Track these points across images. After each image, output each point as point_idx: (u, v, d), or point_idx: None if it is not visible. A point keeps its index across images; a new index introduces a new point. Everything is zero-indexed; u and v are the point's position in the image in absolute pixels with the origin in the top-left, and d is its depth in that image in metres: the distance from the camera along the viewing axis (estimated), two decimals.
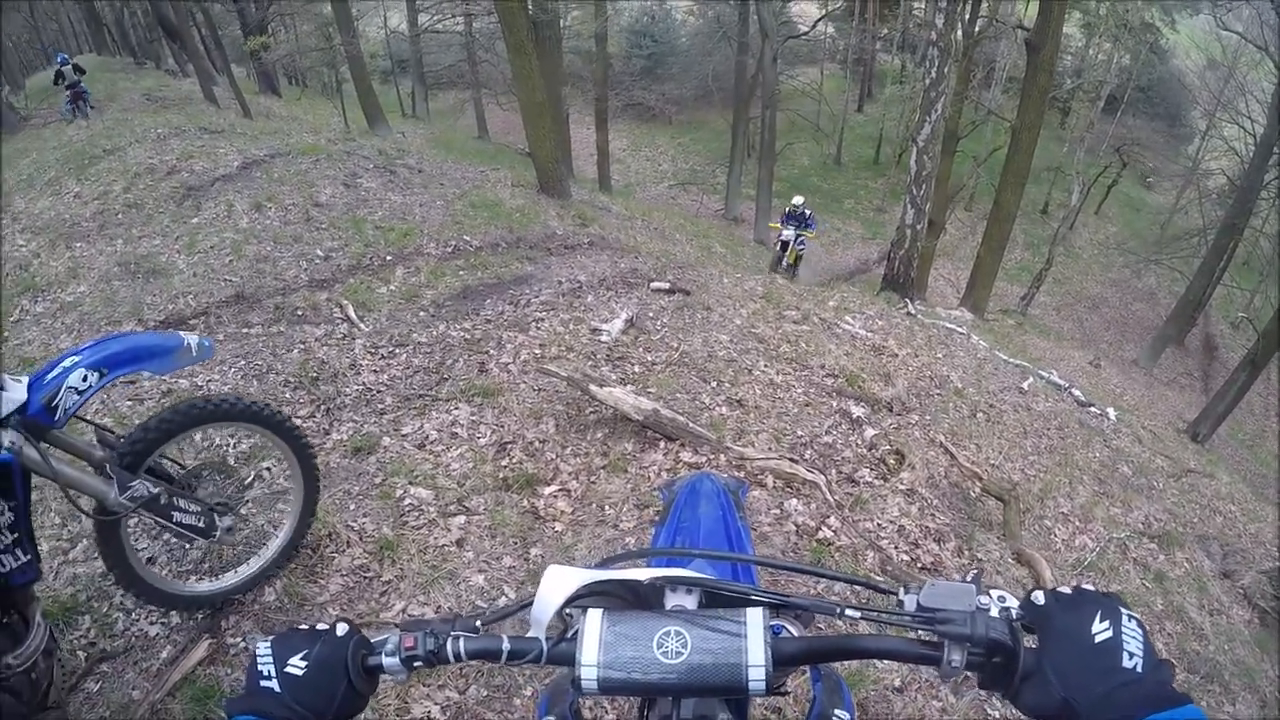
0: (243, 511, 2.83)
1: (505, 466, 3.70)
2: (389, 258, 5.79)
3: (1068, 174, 23.60)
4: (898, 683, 2.96)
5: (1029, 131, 12.58)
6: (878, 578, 3.42)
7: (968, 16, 12.69)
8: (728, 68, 24.78)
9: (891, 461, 4.33)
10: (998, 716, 3.02)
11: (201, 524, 2.49)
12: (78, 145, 10.26)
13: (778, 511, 3.67)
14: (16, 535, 1.77)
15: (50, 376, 1.98)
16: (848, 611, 0.92)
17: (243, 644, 2.62)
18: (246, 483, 3.05)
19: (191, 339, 2.38)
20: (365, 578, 2.91)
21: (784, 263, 13.03)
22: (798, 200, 12.90)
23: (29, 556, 1.80)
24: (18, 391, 1.86)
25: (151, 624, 2.66)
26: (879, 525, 3.84)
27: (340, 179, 7.59)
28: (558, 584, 0.98)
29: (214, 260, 5.63)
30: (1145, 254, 25.03)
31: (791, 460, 3.93)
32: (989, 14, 14.56)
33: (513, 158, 16.64)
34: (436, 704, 2.51)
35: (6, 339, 5.03)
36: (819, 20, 28.22)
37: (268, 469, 3.38)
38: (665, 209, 18.95)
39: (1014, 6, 20.53)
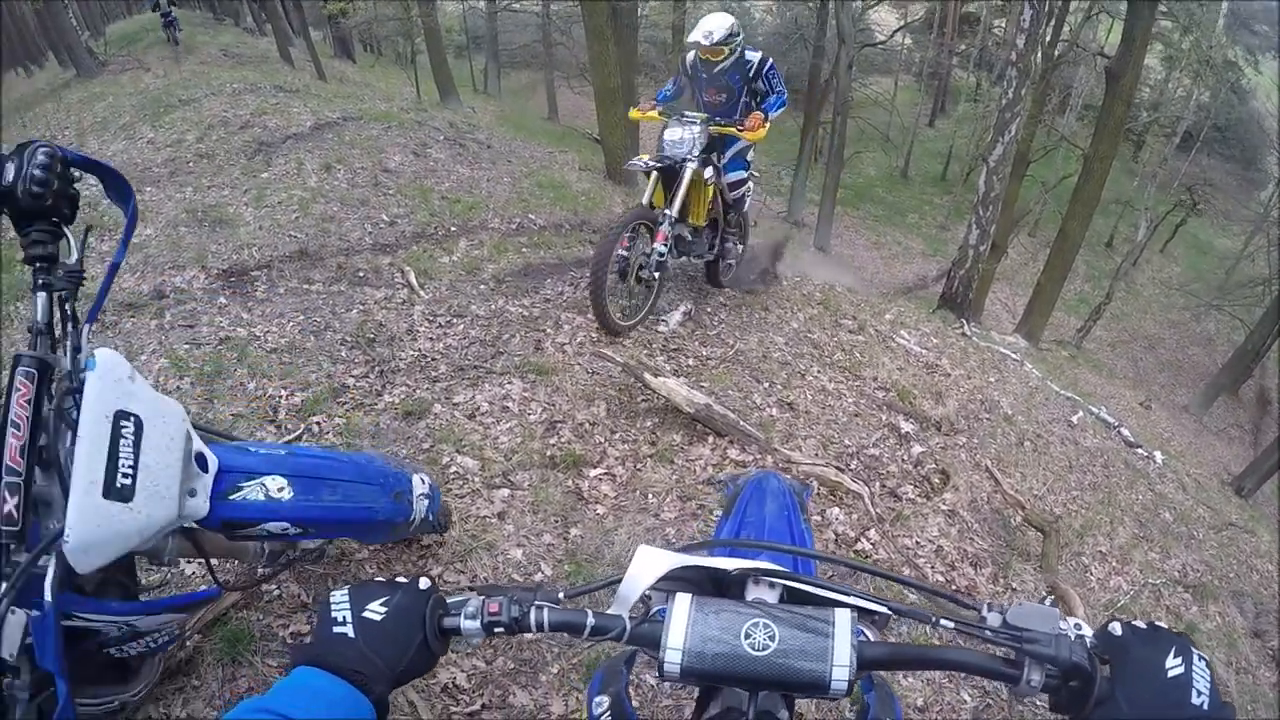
0: None
1: (553, 445, 3.72)
2: (453, 229, 5.85)
3: (1136, 208, 23.19)
4: (920, 703, 2.95)
5: (1102, 161, 12.33)
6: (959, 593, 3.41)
7: (1048, 39, 12.46)
8: (802, 70, 24.54)
9: (935, 481, 4.30)
10: None
11: (312, 559, 2.43)
12: (154, 93, 10.48)
13: (819, 518, 3.66)
14: (184, 620, 1.73)
15: (246, 502, 1.65)
16: (943, 622, 0.92)
17: (276, 591, 2.66)
18: None
19: (421, 507, 2.02)
20: (406, 542, 2.94)
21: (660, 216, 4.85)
22: (711, 28, 5.05)
23: (183, 629, 1.76)
24: (199, 503, 1.54)
25: (189, 563, 2.69)
26: (917, 543, 3.82)
27: (410, 147, 7.67)
28: (648, 564, 0.98)
29: (280, 215, 5.72)
30: (1207, 298, 24.46)
31: (838, 468, 3.92)
32: (1070, 38, 14.31)
33: (580, 141, 16.71)
34: (463, 671, 2.53)
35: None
36: (897, 30, 27.92)
37: None
38: None
39: (1095, 32, 20.19)
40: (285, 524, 1.71)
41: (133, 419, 1.35)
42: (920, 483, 4.27)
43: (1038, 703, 0.89)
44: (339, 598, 0.96)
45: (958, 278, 11.02)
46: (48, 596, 1.20)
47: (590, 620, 0.96)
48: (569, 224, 6.79)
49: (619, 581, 0.98)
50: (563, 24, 24.47)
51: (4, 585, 1.18)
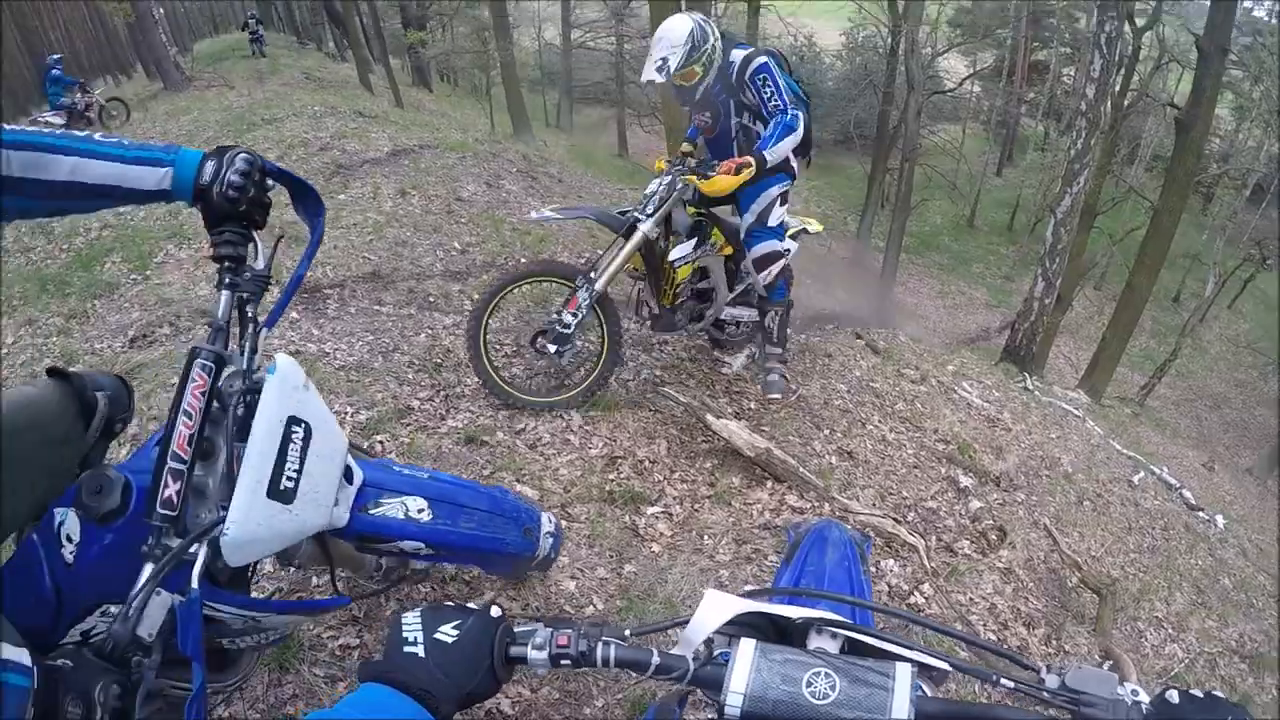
0: None
1: (612, 480, 3.77)
2: (523, 260, 5.96)
3: (1204, 263, 22.71)
4: None
5: (1170, 214, 12.15)
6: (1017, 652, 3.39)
7: (1118, 88, 12.35)
8: (870, 115, 24.59)
9: (992, 537, 4.27)
10: None
11: (420, 576, 2.47)
12: (238, 110, 10.86)
13: (874, 569, 3.67)
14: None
15: (384, 519, 1.69)
16: (1003, 681, 0.95)
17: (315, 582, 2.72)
18: None
19: (547, 544, 2.04)
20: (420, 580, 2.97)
21: (644, 308, 4.58)
22: (664, 52, 3.95)
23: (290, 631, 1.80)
24: (341, 512, 1.58)
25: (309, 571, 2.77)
26: (971, 599, 3.79)
27: (484, 177, 7.84)
28: (716, 607, 1.01)
29: (355, 237, 5.89)
30: (1276, 356, 23.81)
31: (895, 520, 3.93)
32: (1140, 88, 14.16)
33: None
34: (508, 698, 2.55)
35: (148, 277, 5.34)
36: (966, 78, 27.82)
37: None
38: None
39: (1165, 82, 19.90)
40: (420, 544, 1.74)
41: (303, 426, 1.41)
42: (977, 538, 4.25)
43: None
44: (411, 619, 1.00)
45: (1022, 330, 10.89)
46: (194, 584, 1.23)
47: (655, 659, 0.98)
48: None
49: (685, 623, 1.01)
50: (635, 62, 24.82)
51: (154, 566, 1.22)
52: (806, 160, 4.56)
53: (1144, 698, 0.88)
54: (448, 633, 0.98)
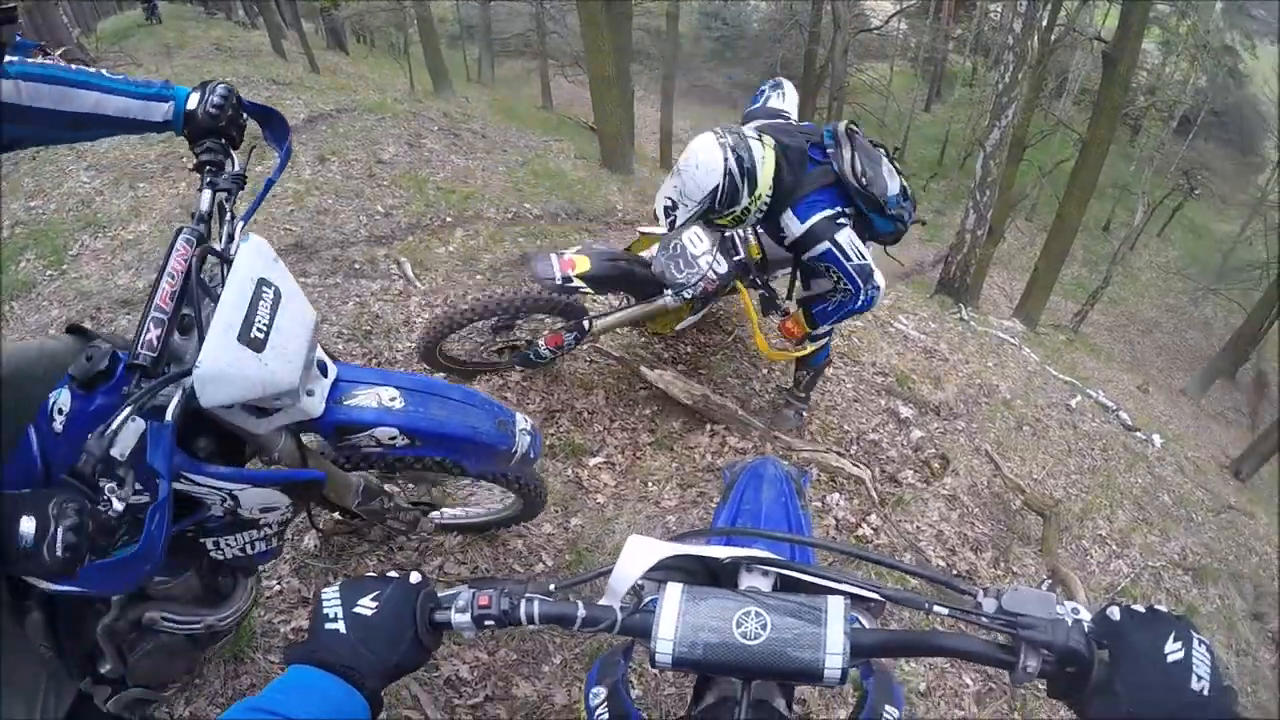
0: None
1: (552, 434, 3.71)
2: (449, 219, 5.82)
3: (1133, 193, 23.16)
4: (923, 687, 2.96)
5: (1099, 146, 12.30)
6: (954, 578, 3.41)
7: (1045, 23, 12.43)
8: (797, 56, 24.52)
9: (935, 465, 4.29)
10: None
11: (405, 527, 2.45)
12: None
13: (819, 504, 3.67)
14: (281, 529, 1.82)
15: (359, 408, 1.75)
16: (936, 608, 0.92)
17: (278, 587, 2.66)
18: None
19: (523, 442, 2.04)
20: (408, 536, 2.92)
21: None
22: (670, 192, 3.16)
23: (279, 544, 1.86)
24: (316, 403, 1.67)
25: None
26: (918, 528, 3.83)
27: (404, 138, 7.63)
28: (639, 554, 0.99)
29: (275, 209, 5.68)
30: (1205, 282, 24.50)
31: (838, 454, 3.92)
32: (1067, 22, 14.25)
33: (576, 130, 16.66)
34: (465, 663, 2.54)
35: (65, 271, 5.13)
36: (893, 16, 27.74)
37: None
38: None
39: (1092, 16, 20.13)
40: (394, 431, 1.78)
41: (273, 288, 1.51)
42: (920, 467, 4.27)
43: (1039, 686, 0.89)
44: (330, 594, 0.97)
45: (955, 263, 11.03)
46: (168, 416, 1.33)
47: (581, 612, 0.96)
48: (565, 213, 6.75)
49: (609, 572, 0.99)
50: (556, 12, 24.45)
51: (134, 395, 1.29)
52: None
53: (1085, 616, 0.87)
54: (367, 605, 0.95)
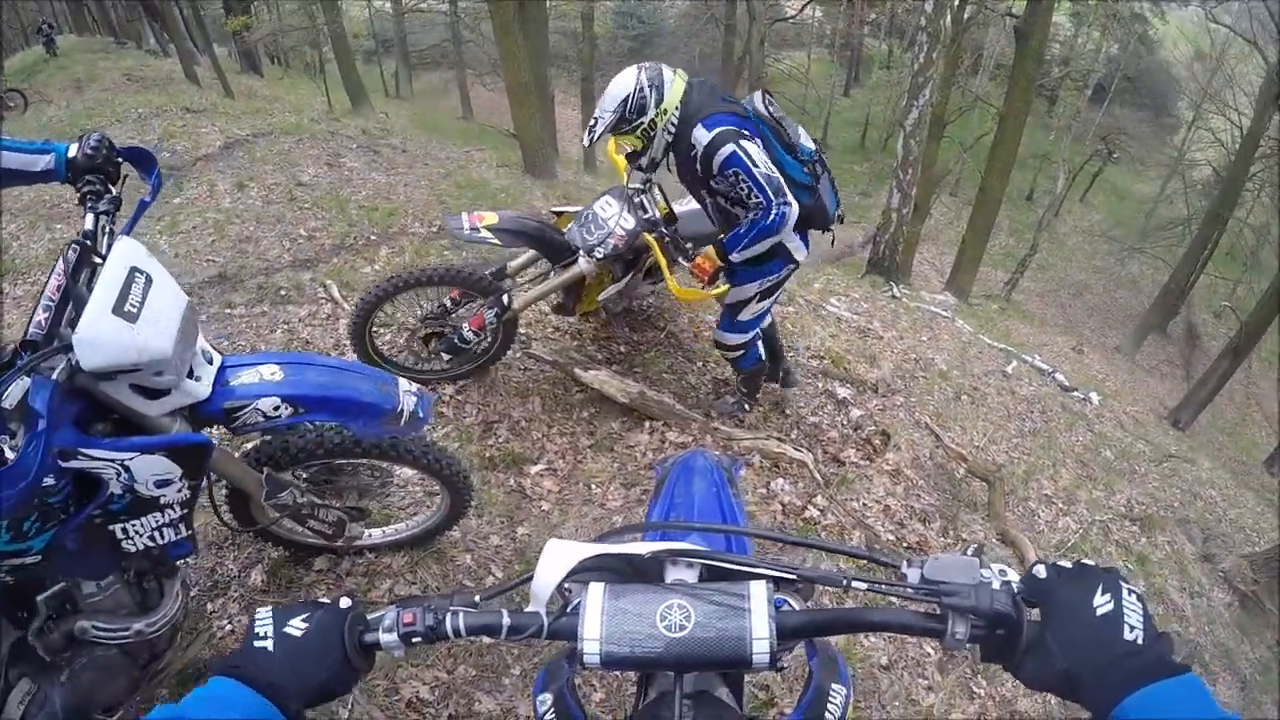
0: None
1: (491, 445, 3.67)
2: (373, 237, 5.74)
3: (1054, 161, 23.78)
4: (884, 660, 2.98)
5: (1016, 118, 12.60)
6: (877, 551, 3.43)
7: (957, 3, 12.66)
8: (715, 49, 24.74)
9: (877, 442, 4.34)
10: (983, 693, 3.04)
11: (330, 531, 2.49)
12: (58, 126, 10.19)
13: (764, 490, 3.68)
14: (185, 514, 1.85)
15: (241, 385, 1.88)
16: (854, 583, 0.92)
17: (229, 626, 2.60)
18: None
19: (409, 402, 2.09)
20: (352, 559, 2.88)
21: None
22: (598, 110, 3.35)
23: (189, 533, 1.89)
24: (203, 386, 1.81)
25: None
26: (865, 505, 3.87)
27: (323, 158, 7.53)
28: (557, 558, 0.98)
29: (196, 240, 5.57)
30: (1129, 242, 25.27)
31: (779, 439, 3.94)
32: (978, 0, 14.54)
33: (497, 138, 16.53)
34: (425, 684, 2.51)
35: None
36: (807, 4, 28.08)
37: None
38: None
39: None
40: (276, 400, 1.88)
41: (145, 274, 1.66)
42: (862, 445, 4.31)
43: (973, 651, 0.89)
44: (263, 614, 0.96)
45: (883, 242, 11.18)
46: (54, 376, 1.54)
47: (506, 620, 0.95)
48: None
49: (530, 579, 0.99)
50: (471, 21, 24.28)
51: (22, 360, 1.53)
52: (831, 235, 3.84)
53: (1013, 576, 0.87)
54: (296, 626, 0.95)
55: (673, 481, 1.65)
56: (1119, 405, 8.83)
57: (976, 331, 8.42)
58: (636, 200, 3.57)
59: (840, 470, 4.04)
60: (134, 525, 1.77)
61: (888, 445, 4.34)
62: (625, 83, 3.27)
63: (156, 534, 1.82)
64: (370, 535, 2.83)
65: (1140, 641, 0.76)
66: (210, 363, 1.86)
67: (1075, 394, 7.81)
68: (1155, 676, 0.73)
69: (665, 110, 3.27)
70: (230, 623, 2.61)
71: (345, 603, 0.99)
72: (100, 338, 1.52)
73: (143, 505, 1.75)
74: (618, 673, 2.59)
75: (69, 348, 1.53)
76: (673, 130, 3.31)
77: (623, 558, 1.02)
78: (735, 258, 3.37)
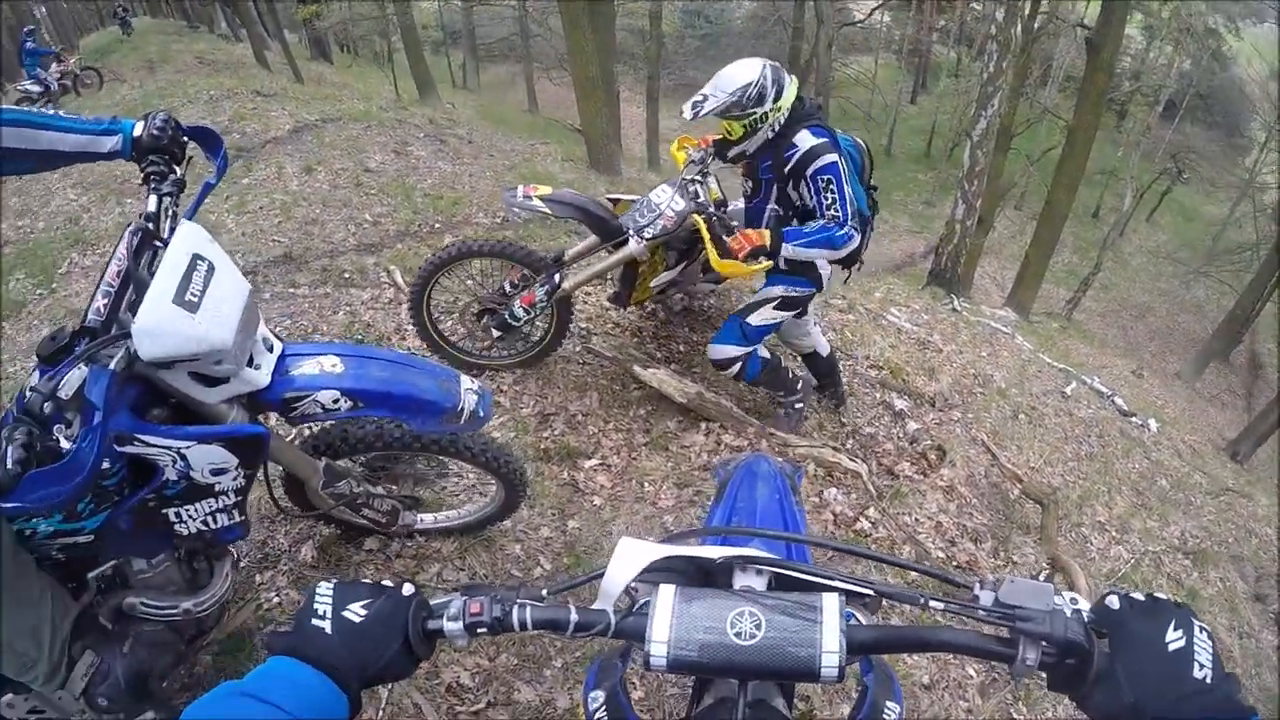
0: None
1: (547, 438, 3.70)
2: (437, 225, 5.81)
3: (1121, 178, 23.21)
4: (926, 680, 2.95)
5: (1085, 132, 12.34)
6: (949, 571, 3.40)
7: (1027, 12, 12.44)
8: (781, 52, 24.48)
9: (932, 457, 4.29)
10: None
11: (384, 520, 2.55)
12: (131, 104, 10.43)
13: (817, 499, 3.65)
14: (240, 500, 1.86)
15: (302, 375, 1.86)
16: (932, 603, 0.91)
17: (276, 599, 2.65)
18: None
19: (470, 400, 2.06)
20: (402, 540, 2.92)
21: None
22: (709, 89, 3.40)
23: (242, 518, 1.91)
24: (262, 374, 1.79)
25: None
26: (917, 520, 3.82)
27: (390, 146, 7.62)
28: (630, 557, 0.97)
29: (263, 221, 5.68)
30: (1195, 265, 24.56)
31: (834, 448, 3.91)
32: (1049, 10, 14.27)
33: (562, 133, 16.63)
34: (466, 670, 2.53)
35: (55, 290, 5.12)
36: (876, 8, 27.80)
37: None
38: None
39: (1074, 3, 20.17)
40: (335, 394, 1.87)
41: (207, 262, 1.64)
42: (917, 459, 4.26)
43: (1041, 677, 0.88)
44: (324, 591, 0.96)
45: (945, 253, 11.02)
46: (112, 365, 1.51)
47: (573, 616, 0.95)
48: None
49: (602, 575, 0.97)
50: (539, 15, 24.40)
51: (80, 349, 1.51)
52: (848, 274, 4.00)
53: (1084, 605, 0.86)
54: (356, 611, 0.94)
55: (735, 486, 1.64)
56: (1177, 433, 8.61)
57: (1036, 349, 8.27)
58: (691, 189, 3.62)
59: (894, 483, 4.00)
60: (188, 510, 1.79)
61: (943, 461, 4.28)
62: (749, 70, 3.32)
63: (210, 519, 1.83)
64: (422, 520, 2.85)
65: (1209, 680, 0.75)
66: (270, 350, 1.86)
67: (1134, 419, 7.63)
68: (1223, 716, 0.73)
69: (780, 108, 3.36)
70: (278, 595, 2.66)
71: (408, 589, 0.99)
72: (160, 328, 1.50)
73: (198, 491, 1.76)
74: (658, 674, 2.60)
75: (127, 335, 1.51)
76: (776, 130, 3.40)
77: (692, 560, 1.02)
78: (788, 249, 3.44)
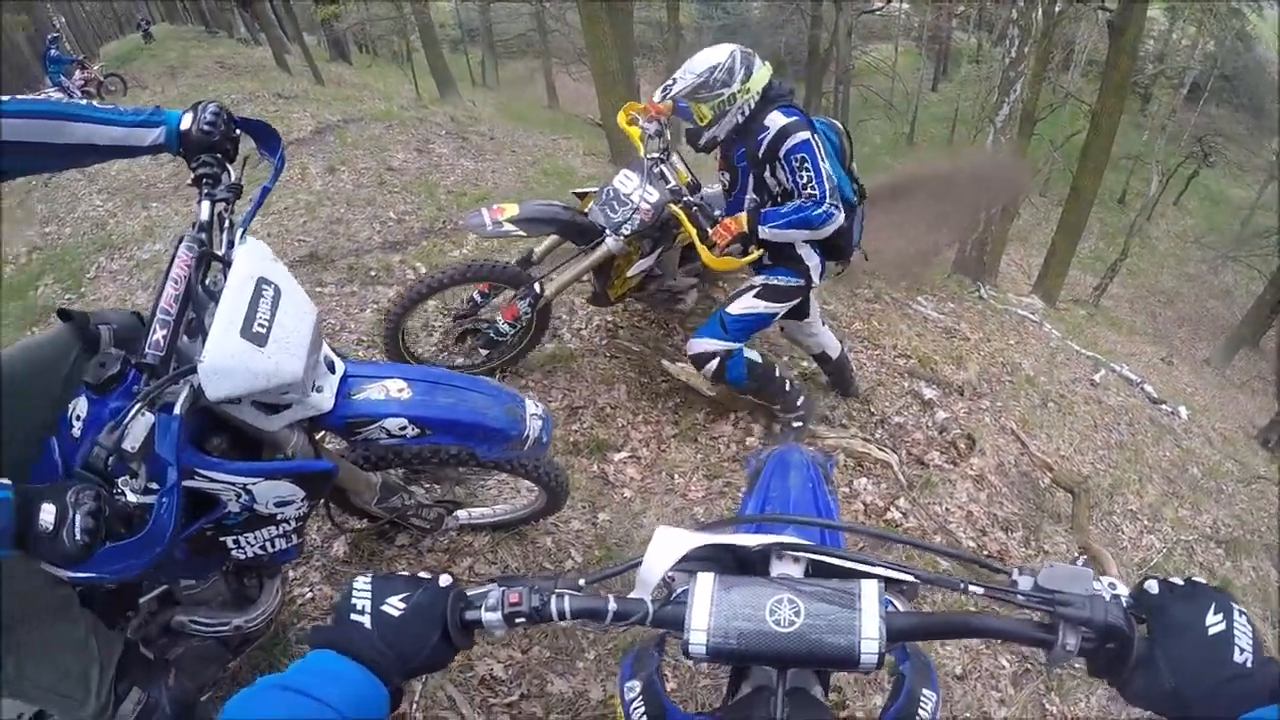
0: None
1: (575, 430, 3.72)
2: (461, 222, 5.83)
3: (1147, 163, 22.95)
4: (959, 670, 2.94)
5: (1109, 116, 12.16)
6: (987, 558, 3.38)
7: None
8: (800, 41, 24.38)
9: (962, 446, 4.26)
10: (1055, 711, 2.98)
11: (429, 526, 2.56)
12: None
13: (847, 489, 3.65)
14: (299, 526, 1.83)
15: (366, 400, 1.79)
16: (972, 588, 0.91)
17: (309, 594, 2.67)
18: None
19: (534, 426, 2.02)
20: (435, 535, 2.93)
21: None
22: (679, 73, 3.35)
23: (299, 541, 1.88)
24: (325, 398, 1.72)
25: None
26: (947, 509, 3.80)
27: (413, 144, 7.68)
28: (668, 545, 0.97)
29: (288, 221, 5.74)
30: (1223, 250, 24.21)
31: (864, 438, 3.90)
32: None
33: (583, 127, 16.64)
34: (499, 662, 2.54)
35: (84, 294, 5.19)
36: None
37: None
38: None
39: None
40: (403, 421, 1.80)
41: (273, 286, 1.58)
42: (946, 449, 4.24)
43: (1076, 666, 0.88)
44: (361, 585, 0.97)
45: (971, 241, 10.92)
46: (177, 409, 1.42)
47: (612, 606, 0.95)
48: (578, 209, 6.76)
49: (639, 565, 0.97)
50: (557, 11, 24.43)
51: (142, 390, 1.40)
52: (840, 267, 3.77)
53: (1122, 590, 0.86)
54: (395, 605, 0.95)
55: (768, 475, 1.63)
56: (1208, 421, 8.51)
57: (1064, 337, 8.18)
58: (657, 170, 3.51)
59: (924, 473, 3.98)
60: (247, 538, 1.75)
61: (973, 450, 4.26)
62: (717, 52, 3.27)
63: (268, 544, 1.80)
64: (458, 516, 2.86)
65: (1249, 665, 0.76)
66: (333, 370, 1.79)
67: (1164, 407, 7.55)
68: (1264, 701, 0.73)
69: (749, 90, 3.27)
70: (311, 590, 2.68)
71: (445, 581, 0.99)
72: (228, 366, 1.43)
73: (259, 521, 1.72)
74: (690, 663, 2.60)
75: (191, 371, 1.43)
76: (746, 113, 3.31)
77: (729, 549, 1.02)
78: (765, 231, 3.30)
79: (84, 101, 1.77)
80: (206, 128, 1.77)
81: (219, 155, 1.79)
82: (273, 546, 1.80)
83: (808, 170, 3.18)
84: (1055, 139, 20.87)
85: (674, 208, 3.45)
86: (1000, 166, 9.74)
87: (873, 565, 0.96)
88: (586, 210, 3.58)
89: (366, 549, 2.85)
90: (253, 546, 1.77)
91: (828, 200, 3.19)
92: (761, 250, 3.40)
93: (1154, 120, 26.54)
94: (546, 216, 3.49)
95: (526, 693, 2.49)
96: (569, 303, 4.69)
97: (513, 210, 3.43)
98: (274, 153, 1.94)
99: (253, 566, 1.98)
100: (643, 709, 1.07)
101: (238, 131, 1.87)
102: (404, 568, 2.79)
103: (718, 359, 3.50)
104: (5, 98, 1.58)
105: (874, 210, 4.23)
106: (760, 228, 3.30)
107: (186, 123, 1.77)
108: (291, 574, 2.72)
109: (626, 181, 3.51)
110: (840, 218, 3.26)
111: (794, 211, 3.23)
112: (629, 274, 3.74)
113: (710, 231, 3.37)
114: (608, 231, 3.47)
